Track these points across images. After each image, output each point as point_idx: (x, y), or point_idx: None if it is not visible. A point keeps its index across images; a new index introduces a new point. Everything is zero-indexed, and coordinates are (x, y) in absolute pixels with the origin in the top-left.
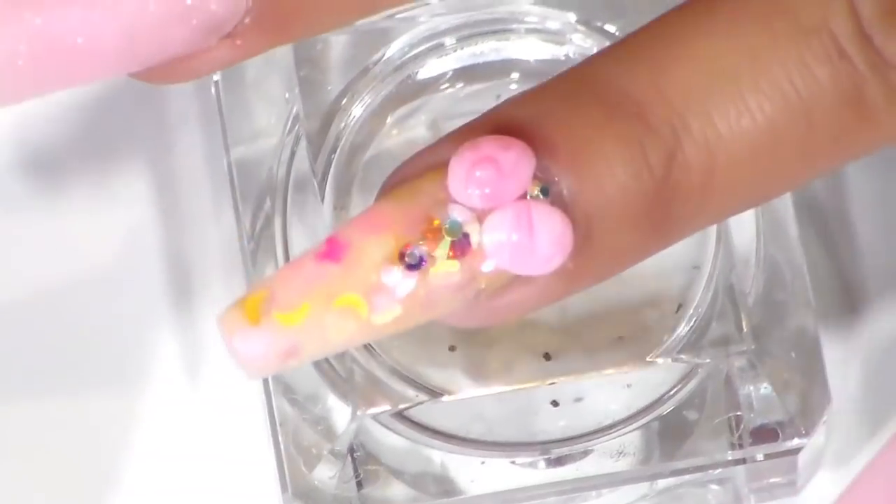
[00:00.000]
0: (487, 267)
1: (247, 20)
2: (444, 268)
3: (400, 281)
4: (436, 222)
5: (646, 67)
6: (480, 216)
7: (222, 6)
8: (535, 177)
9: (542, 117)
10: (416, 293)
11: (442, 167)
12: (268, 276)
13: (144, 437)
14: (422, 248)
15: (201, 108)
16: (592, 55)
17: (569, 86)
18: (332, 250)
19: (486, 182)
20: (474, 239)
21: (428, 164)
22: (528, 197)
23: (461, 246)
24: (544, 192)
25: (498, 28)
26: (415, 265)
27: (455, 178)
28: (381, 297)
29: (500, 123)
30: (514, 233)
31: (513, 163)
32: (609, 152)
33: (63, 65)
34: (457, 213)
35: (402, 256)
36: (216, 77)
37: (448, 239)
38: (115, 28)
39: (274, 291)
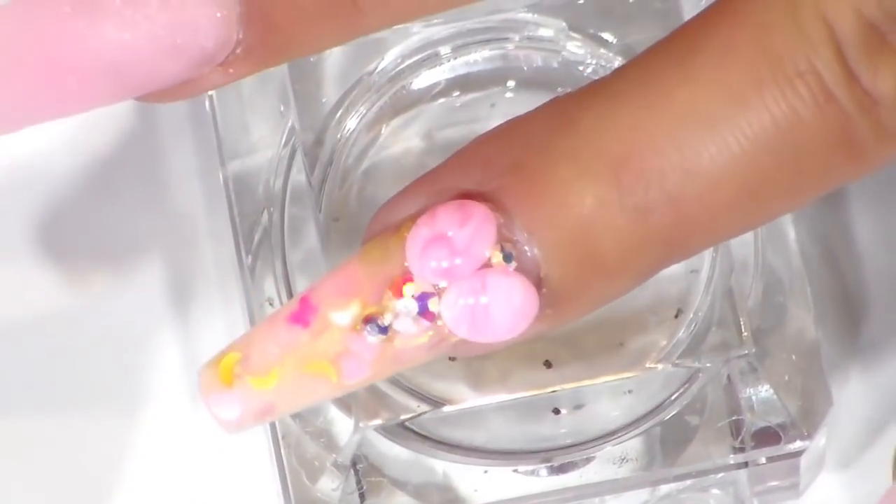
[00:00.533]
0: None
1: (238, 51)
2: (411, 339)
3: (367, 347)
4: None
5: (624, 117)
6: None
7: (212, 41)
8: (501, 236)
9: (509, 172)
10: (385, 354)
11: (412, 222)
12: (243, 335)
13: (144, 448)
14: (386, 318)
15: (195, 122)
16: (571, 94)
17: (543, 133)
18: (302, 312)
19: (440, 260)
20: (435, 311)
21: (402, 217)
22: (493, 261)
23: (424, 317)
24: (507, 258)
25: (491, 37)
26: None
27: (411, 256)
28: (350, 362)
29: (466, 177)
30: (469, 307)
31: (468, 241)
32: (581, 214)
33: (55, 101)
34: (417, 287)
35: (368, 320)
36: (211, 92)
37: (410, 310)
38: (106, 68)
39: (247, 354)
